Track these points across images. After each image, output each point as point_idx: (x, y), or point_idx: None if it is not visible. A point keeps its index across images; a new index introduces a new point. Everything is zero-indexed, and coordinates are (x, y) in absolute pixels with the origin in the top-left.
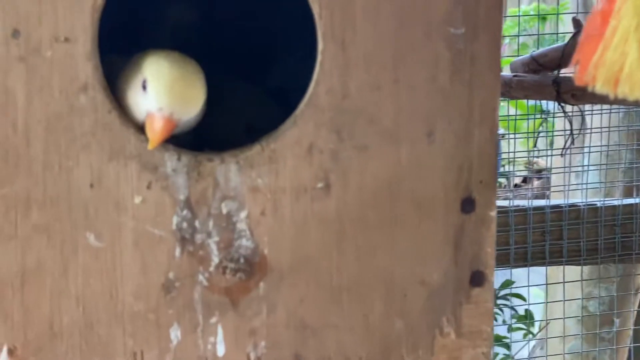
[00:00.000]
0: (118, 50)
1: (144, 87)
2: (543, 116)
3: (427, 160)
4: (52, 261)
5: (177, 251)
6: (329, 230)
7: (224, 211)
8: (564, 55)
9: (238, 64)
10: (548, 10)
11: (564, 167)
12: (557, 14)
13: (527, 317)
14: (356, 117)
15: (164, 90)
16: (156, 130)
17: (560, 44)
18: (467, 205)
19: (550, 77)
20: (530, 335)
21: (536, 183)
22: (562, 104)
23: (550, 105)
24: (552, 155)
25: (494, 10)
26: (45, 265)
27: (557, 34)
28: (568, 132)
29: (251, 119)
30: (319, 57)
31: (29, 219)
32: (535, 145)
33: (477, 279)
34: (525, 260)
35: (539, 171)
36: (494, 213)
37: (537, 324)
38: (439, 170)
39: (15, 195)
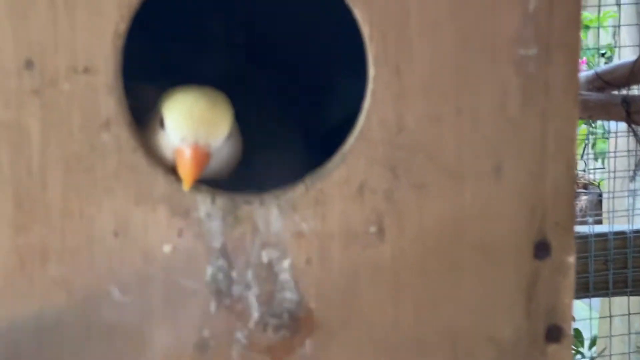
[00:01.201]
0: (146, 76)
1: (162, 125)
2: (590, 129)
3: (495, 199)
4: (72, 319)
5: (212, 306)
6: (383, 280)
7: (265, 260)
8: (634, 72)
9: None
10: (590, 19)
11: (628, 190)
12: (598, 26)
13: (577, 336)
14: (413, 152)
15: (182, 118)
16: (186, 164)
17: (627, 60)
18: (541, 250)
19: (618, 96)
20: (579, 356)
21: (583, 199)
22: (633, 125)
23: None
24: (614, 178)
25: (570, 27)
26: (64, 324)
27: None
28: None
29: (267, 153)
30: (371, 85)
31: (46, 272)
32: (582, 160)
33: (554, 334)
34: (587, 290)
35: (585, 186)
36: (572, 259)
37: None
38: (509, 211)
39: (31, 246)
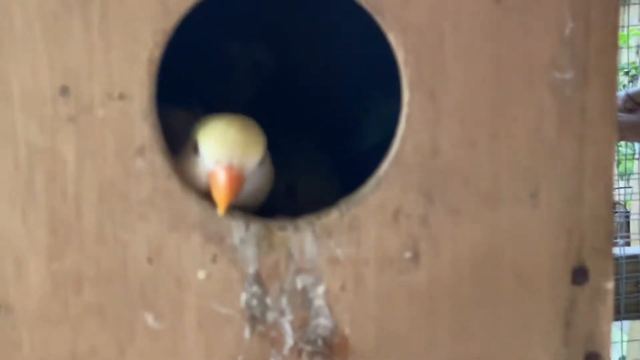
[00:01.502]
0: (173, 99)
1: (196, 151)
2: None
3: (531, 225)
4: (106, 345)
5: (247, 332)
6: (418, 306)
7: (299, 286)
8: None
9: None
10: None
11: None
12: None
13: None
14: (448, 177)
15: (216, 141)
16: (221, 186)
17: None
18: (579, 276)
19: None
20: None
21: None
22: None
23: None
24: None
25: (607, 51)
26: (98, 350)
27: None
28: None
29: (292, 179)
30: (405, 110)
31: (80, 298)
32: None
33: None
34: (617, 312)
35: (613, 206)
36: (610, 285)
37: None
38: (545, 237)
39: (65, 272)
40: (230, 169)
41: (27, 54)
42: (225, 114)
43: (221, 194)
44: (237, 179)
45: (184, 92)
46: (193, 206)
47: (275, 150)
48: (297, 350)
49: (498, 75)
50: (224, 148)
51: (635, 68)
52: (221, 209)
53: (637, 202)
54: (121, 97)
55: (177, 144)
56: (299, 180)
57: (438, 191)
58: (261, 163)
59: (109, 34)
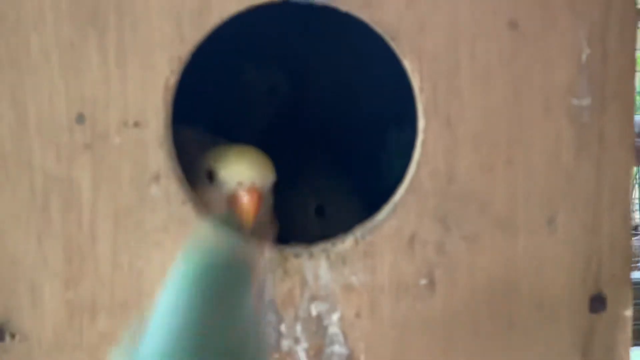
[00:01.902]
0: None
1: (211, 178)
2: None
3: (549, 252)
4: None
5: None
6: (434, 334)
7: (314, 313)
8: None
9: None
10: None
11: None
12: None
13: None
14: (465, 203)
15: (236, 165)
16: (246, 205)
17: None
18: (597, 303)
19: None
20: None
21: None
22: None
23: None
24: None
25: (624, 77)
26: None
27: None
28: None
29: (322, 199)
30: (421, 136)
31: (95, 326)
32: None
33: None
34: (638, 338)
35: (636, 228)
36: (629, 312)
37: None
38: (563, 264)
39: (81, 300)
40: (253, 188)
41: (43, 81)
42: (235, 144)
43: (248, 213)
44: (260, 197)
45: (198, 114)
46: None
47: (303, 172)
48: None
49: (515, 101)
50: (245, 170)
51: None
52: (248, 225)
53: None
54: (137, 124)
55: (188, 165)
56: (328, 202)
57: (454, 217)
58: (271, 189)
59: (125, 61)
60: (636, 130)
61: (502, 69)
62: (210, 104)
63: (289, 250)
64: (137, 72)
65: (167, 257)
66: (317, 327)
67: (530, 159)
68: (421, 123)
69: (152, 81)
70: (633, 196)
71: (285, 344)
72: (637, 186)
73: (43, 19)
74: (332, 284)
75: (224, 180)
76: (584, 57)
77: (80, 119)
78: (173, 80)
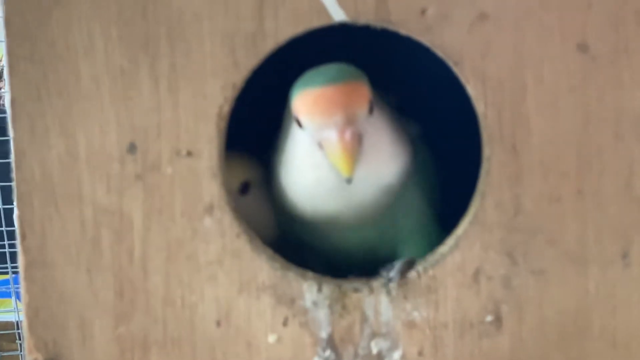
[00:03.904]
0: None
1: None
2: None
3: (623, 287)
4: None
5: None
6: None
7: (374, 351)
8: None
9: None
10: None
11: None
12: None
13: None
14: (532, 236)
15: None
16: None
17: None
18: None
19: None
20: None
21: None
22: None
23: None
24: None
25: None
26: None
27: None
28: None
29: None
30: (485, 165)
31: None
32: None
33: None
34: None
35: None
36: None
37: None
38: (638, 300)
39: (132, 336)
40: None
41: (93, 110)
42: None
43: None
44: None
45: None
46: (263, 266)
47: None
48: None
49: (584, 128)
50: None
51: None
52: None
53: None
54: (189, 154)
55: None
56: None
57: (521, 251)
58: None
59: (177, 88)
60: None
61: (571, 94)
62: (264, 131)
63: (348, 285)
64: (190, 100)
65: (221, 292)
66: None
67: (602, 189)
68: (486, 151)
69: (205, 109)
70: None
71: None
72: None
73: (93, 46)
74: (393, 320)
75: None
76: None
77: (132, 148)
78: (227, 108)
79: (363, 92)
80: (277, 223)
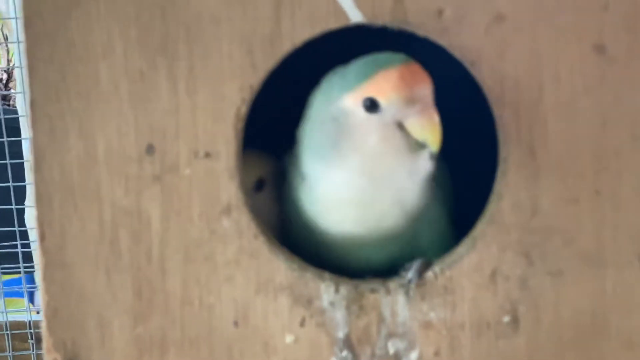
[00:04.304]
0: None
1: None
2: None
3: (639, 288)
4: None
5: None
6: None
7: (391, 351)
8: None
9: None
10: None
11: None
12: None
13: None
14: (549, 236)
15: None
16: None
17: None
18: None
19: None
20: None
21: None
22: None
23: None
24: None
25: None
26: None
27: None
28: None
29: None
30: (502, 166)
31: None
32: None
33: None
34: None
35: None
36: None
37: None
38: None
39: (150, 336)
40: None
41: (112, 111)
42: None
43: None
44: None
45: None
46: (281, 267)
47: None
48: None
49: (601, 128)
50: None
51: None
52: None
53: None
54: (207, 155)
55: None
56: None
57: (538, 252)
58: None
59: (195, 90)
60: None
61: (588, 95)
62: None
63: (365, 286)
64: (208, 102)
65: (239, 292)
66: None
67: (619, 190)
68: (502, 152)
69: (223, 110)
70: None
71: None
72: None
73: (112, 48)
74: (410, 320)
75: (391, 103)
76: None
77: (150, 149)
78: (244, 109)
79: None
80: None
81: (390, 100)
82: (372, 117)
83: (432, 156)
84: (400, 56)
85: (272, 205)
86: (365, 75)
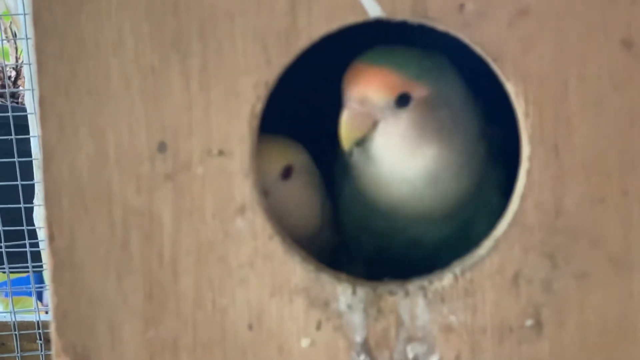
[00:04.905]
0: None
1: None
2: None
3: None
4: None
5: None
6: None
7: (410, 356)
8: None
9: None
10: None
11: None
12: None
13: None
14: (574, 238)
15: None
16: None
17: None
18: None
19: None
20: None
21: None
22: None
23: None
24: None
25: None
26: None
27: None
28: None
29: None
30: (525, 165)
31: None
32: None
33: None
34: None
35: None
36: None
37: None
38: None
39: (162, 340)
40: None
41: (123, 109)
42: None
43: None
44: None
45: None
46: (296, 269)
47: None
48: None
49: (629, 127)
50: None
51: None
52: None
53: None
54: (221, 153)
55: None
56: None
57: (562, 253)
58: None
59: (209, 87)
60: None
61: (615, 92)
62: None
63: (383, 288)
64: (222, 98)
65: (253, 295)
66: None
67: None
68: (526, 151)
69: (237, 108)
70: None
71: None
72: None
73: (123, 43)
74: (430, 324)
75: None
76: None
77: (162, 147)
78: (259, 106)
79: (391, 81)
80: (342, 211)
81: (344, 90)
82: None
83: (347, 153)
84: (378, 56)
85: (302, 194)
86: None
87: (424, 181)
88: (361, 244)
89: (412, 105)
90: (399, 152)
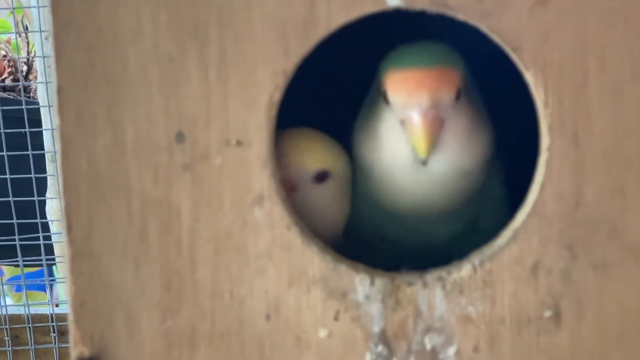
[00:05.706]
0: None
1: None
2: None
3: None
4: None
5: None
6: None
7: (428, 347)
8: None
9: None
10: None
11: None
12: None
13: None
14: (593, 228)
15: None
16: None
17: None
18: None
19: None
20: None
21: None
22: None
23: None
24: None
25: None
26: None
27: None
28: None
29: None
30: (545, 155)
31: (195, 358)
32: None
33: None
34: None
35: None
36: None
37: None
38: None
39: (179, 330)
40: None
41: (141, 98)
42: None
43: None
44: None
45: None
46: (314, 259)
47: None
48: None
49: None
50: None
51: None
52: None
53: None
54: (239, 143)
55: None
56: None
57: (581, 244)
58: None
59: (227, 76)
60: None
61: (636, 81)
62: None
63: (401, 278)
64: (240, 88)
65: (271, 285)
66: None
67: None
68: (545, 141)
69: (255, 97)
70: None
71: None
72: None
73: (141, 32)
74: (448, 315)
75: (395, 101)
76: None
77: (180, 137)
78: (277, 96)
79: (452, 78)
80: (351, 215)
81: (393, 99)
82: (387, 107)
83: (422, 162)
84: (425, 56)
85: (332, 200)
86: (386, 69)
87: (457, 173)
88: (372, 248)
89: (462, 97)
90: (464, 145)
